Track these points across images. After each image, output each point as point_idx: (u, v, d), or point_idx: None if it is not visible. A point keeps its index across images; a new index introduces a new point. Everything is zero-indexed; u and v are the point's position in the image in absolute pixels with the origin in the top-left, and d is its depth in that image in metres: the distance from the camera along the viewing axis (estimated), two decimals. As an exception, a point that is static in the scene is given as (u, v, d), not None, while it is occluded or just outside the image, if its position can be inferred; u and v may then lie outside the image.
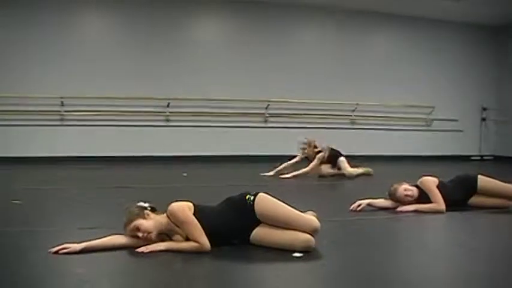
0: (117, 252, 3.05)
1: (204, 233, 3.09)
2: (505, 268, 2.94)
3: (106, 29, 9.43)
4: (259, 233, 3.22)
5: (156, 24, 9.53)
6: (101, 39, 9.33)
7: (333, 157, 7.37)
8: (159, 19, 9.55)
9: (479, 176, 4.82)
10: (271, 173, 7.21)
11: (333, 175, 7.34)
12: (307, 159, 7.32)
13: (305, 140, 7.43)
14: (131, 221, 3.09)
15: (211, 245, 3.10)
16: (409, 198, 4.65)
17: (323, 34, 10.72)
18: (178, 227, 3.14)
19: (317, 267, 2.93)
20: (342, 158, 7.40)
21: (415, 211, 4.55)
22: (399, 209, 4.62)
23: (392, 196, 4.72)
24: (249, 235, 3.24)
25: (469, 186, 4.79)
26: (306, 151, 7.35)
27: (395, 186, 4.73)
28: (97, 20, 9.42)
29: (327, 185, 6.80)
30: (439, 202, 4.59)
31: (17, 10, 8.74)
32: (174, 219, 3.12)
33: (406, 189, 4.68)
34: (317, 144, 7.41)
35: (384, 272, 2.89)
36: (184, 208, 3.13)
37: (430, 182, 4.71)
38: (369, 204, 4.65)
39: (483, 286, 2.66)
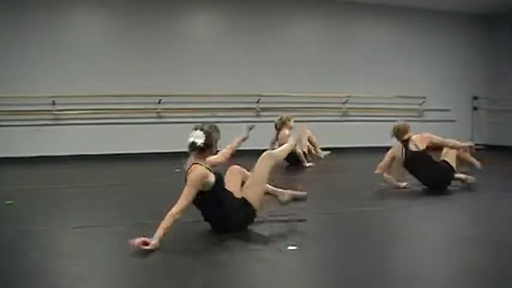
0: (113, 250, 3.04)
1: (184, 204, 3.17)
2: (500, 259, 2.96)
3: (96, 27, 9.36)
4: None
5: (147, 21, 9.46)
6: (92, 38, 9.25)
7: None
8: (150, 15, 9.48)
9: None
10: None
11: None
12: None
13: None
14: None
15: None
16: None
17: (313, 27, 10.70)
18: None
19: (312, 260, 2.95)
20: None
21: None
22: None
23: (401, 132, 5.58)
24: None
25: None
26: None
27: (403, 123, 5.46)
28: (87, 19, 9.33)
29: (321, 178, 6.82)
30: (453, 142, 5.40)
31: (7, 10, 8.65)
32: (189, 177, 3.37)
33: None
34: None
35: (380, 264, 2.90)
36: (201, 176, 3.35)
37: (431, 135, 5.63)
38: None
39: (480, 279, 2.67)
